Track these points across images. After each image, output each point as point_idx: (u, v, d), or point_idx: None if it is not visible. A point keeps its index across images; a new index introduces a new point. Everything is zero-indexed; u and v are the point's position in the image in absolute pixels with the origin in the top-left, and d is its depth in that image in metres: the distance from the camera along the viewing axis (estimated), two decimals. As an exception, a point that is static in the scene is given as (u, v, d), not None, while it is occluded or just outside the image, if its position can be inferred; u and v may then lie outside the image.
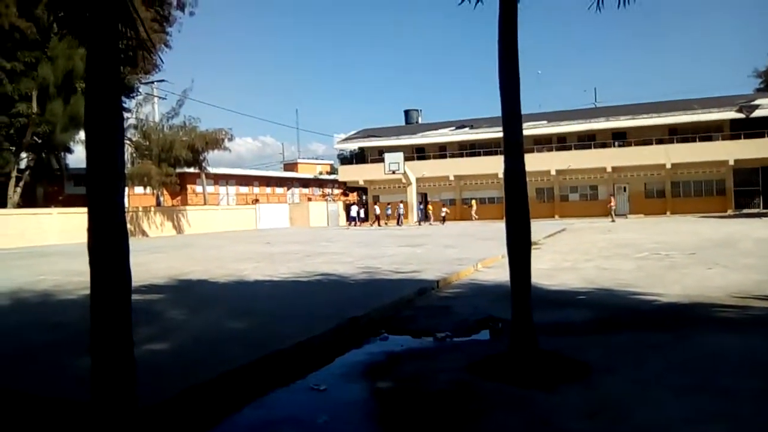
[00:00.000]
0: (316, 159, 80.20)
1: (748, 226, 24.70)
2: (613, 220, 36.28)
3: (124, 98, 33.12)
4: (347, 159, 60.47)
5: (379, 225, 42.35)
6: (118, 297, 3.61)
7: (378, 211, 43.88)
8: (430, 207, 44.54)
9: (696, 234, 21.65)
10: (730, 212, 40.09)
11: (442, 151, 49.76)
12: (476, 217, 42.93)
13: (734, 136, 40.86)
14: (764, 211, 38.92)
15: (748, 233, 20.80)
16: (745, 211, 40.09)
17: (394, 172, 41.71)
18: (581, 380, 5.00)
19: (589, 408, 4.36)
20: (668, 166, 41.52)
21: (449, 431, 4.10)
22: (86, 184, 3.66)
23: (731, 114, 40.38)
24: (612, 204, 38.43)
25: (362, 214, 45.43)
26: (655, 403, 4.40)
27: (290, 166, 73.10)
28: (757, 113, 39.36)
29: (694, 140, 41.73)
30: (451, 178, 47.54)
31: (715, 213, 39.36)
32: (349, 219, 44.06)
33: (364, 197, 53.65)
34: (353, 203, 49.94)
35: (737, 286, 9.54)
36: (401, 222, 42.46)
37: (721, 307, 7.93)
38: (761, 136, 39.28)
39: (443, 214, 42.40)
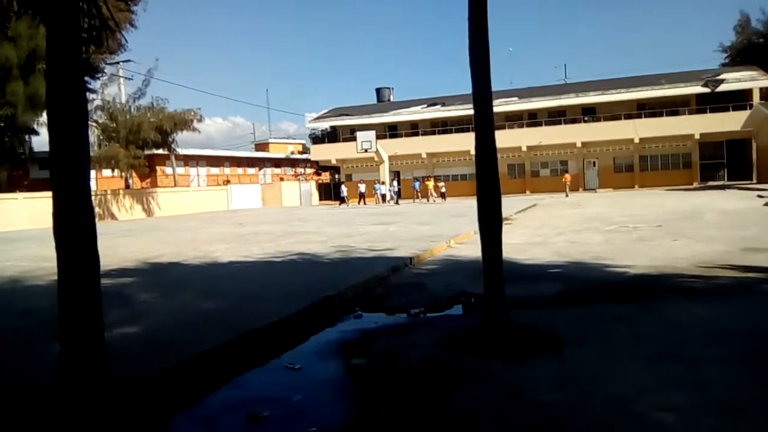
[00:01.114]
0: (288, 138, 79.42)
1: (713, 198, 25.27)
2: (567, 195, 37.24)
3: (88, 79, 32.29)
4: (319, 138, 60.03)
5: (364, 203, 41.60)
6: (87, 281, 3.57)
7: (363, 189, 42.64)
8: (430, 182, 41.99)
9: (663, 207, 22.10)
10: (695, 185, 40.91)
11: (414, 128, 49.69)
12: (434, 196, 40.71)
13: (700, 111, 41.55)
14: (728, 183, 39.80)
15: (713, 205, 21.29)
16: (710, 183, 40.95)
17: (366, 151, 41.45)
18: (552, 352, 5.11)
19: (559, 379, 4.46)
20: (636, 140, 42.13)
21: (423, 405, 4.16)
22: (50, 168, 3.59)
23: (697, 89, 41.00)
24: (567, 180, 39.14)
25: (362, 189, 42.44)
26: (624, 373, 4.52)
27: (261, 146, 72.28)
28: (722, 87, 40.04)
29: (661, 115, 42.36)
30: (424, 155, 47.56)
31: (682, 186, 40.14)
32: (340, 198, 42.81)
33: (336, 176, 53.31)
34: (343, 182, 48.68)
35: (702, 256, 9.79)
36: (398, 200, 40.72)
37: (687, 278, 8.15)
38: (726, 110, 40.02)
39: (443, 190, 40.29)
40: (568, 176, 39.96)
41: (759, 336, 5.29)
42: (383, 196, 41.21)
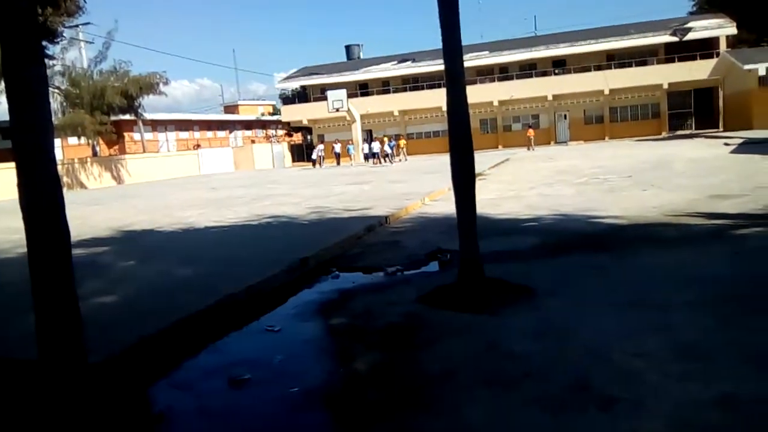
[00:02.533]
0: (258, 100, 77.98)
1: (681, 148, 25.62)
2: (532, 149, 37.48)
3: (47, 43, 31.12)
4: (289, 99, 58.99)
5: (338, 164, 40.79)
6: (57, 252, 3.51)
7: (338, 150, 41.50)
8: (402, 141, 39.52)
9: (632, 157, 22.37)
10: (664, 135, 41.38)
11: (385, 86, 49.15)
12: (400, 158, 37.96)
13: (668, 60, 41.71)
14: (696, 132, 40.35)
15: (681, 154, 21.61)
16: (679, 132, 41.47)
17: (337, 110, 40.81)
18: (527, 304, 5.21)
19: (534, 329, 4.56)
20: (606, 92, 42.29)
21: (402, 360, 4.23)
22: (11, 137, 3.48)
23: (666, 38, 41.09)
24: (531, 134, 39.46)
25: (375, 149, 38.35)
26: (597, 322, 4.63)
27: (231, 108, 70.95)
28: (690, 36, 40.16)
29: (630, 65, 42.47)
30: (396, 113, 47.17)
31: (651, 136, 40.57)
32: (314, 159, 41.42)
33: (309, 137, 52.67)
34: (322, 142, 46.93)
35: (671, 205, 9.99)
36: (390, 159, 37.32)
37: (657, 226, 8.32)
38: (693, 58, 40.24)
39: (388, 151, 37.02)
40: (531, 131, 40.05)
41: (725, 281, 5.44)
42: (386, 155, 37.48)
